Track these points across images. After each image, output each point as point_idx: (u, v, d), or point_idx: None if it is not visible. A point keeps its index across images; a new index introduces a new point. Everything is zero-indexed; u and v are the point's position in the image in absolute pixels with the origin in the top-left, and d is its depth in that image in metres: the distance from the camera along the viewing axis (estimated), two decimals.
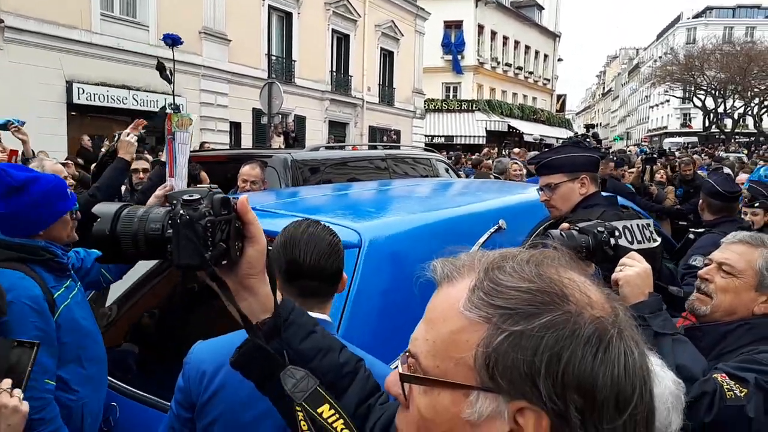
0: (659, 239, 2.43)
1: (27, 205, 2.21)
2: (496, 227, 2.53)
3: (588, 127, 21.97)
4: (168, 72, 3.79)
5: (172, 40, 4.29)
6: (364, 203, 3.30)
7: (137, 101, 14.71)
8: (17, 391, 1.81)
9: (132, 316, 3.03)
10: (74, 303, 2.31)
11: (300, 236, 1.67)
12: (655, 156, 8.11)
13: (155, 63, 3.86)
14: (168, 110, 3.30)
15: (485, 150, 19.03)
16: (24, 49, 12.47)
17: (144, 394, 2.29)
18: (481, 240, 2.43)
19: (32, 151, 6.42)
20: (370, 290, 2.09)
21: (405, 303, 1.92)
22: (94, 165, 5.74)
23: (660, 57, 65.73)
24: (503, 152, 21.66)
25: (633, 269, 1.78)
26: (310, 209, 2.79)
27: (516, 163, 7.79)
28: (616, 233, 1.97)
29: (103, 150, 11.44)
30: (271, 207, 2.66)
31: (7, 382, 1.84)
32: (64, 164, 6.40)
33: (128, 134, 3.98)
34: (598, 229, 1.92)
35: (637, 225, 2.28)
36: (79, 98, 13.43)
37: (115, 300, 3.03)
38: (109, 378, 2.43)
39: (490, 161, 10.23)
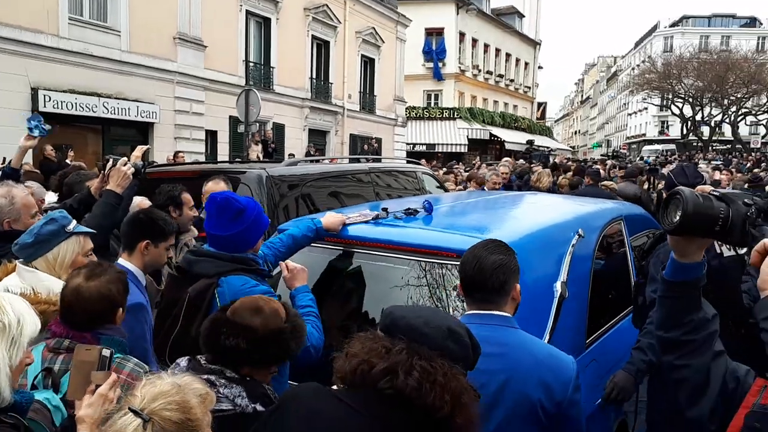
0: None
1: (247, 225, 2.56)
2: (577, 236, 2.79)
3: (529, 141, 26.31)
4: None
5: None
6: (471, 217, 3.71)
7: (107, 109, 14.04)
8: None
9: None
10: None
11: (467, 256, 2.09)
12: (658, 167, 7.83)
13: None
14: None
15: (476, 161, 18.98)
16: None
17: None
18: (570, 249, 2.71)
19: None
20: None
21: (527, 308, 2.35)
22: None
23: (638, 65, 66.40)
24: (480, 161, 21.65)
25: None
26: (442, 225, 3.10)
27: (495, 174, 8.20)
28: None
29: (68, 161, 10.83)
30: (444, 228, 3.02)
31: None
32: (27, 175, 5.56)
33: (125, 163, 3.42)
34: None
35: None
36: (45, 106, 12.70)
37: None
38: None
39: (480, 173, 9.98)
